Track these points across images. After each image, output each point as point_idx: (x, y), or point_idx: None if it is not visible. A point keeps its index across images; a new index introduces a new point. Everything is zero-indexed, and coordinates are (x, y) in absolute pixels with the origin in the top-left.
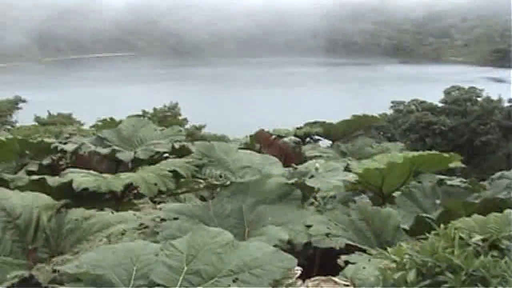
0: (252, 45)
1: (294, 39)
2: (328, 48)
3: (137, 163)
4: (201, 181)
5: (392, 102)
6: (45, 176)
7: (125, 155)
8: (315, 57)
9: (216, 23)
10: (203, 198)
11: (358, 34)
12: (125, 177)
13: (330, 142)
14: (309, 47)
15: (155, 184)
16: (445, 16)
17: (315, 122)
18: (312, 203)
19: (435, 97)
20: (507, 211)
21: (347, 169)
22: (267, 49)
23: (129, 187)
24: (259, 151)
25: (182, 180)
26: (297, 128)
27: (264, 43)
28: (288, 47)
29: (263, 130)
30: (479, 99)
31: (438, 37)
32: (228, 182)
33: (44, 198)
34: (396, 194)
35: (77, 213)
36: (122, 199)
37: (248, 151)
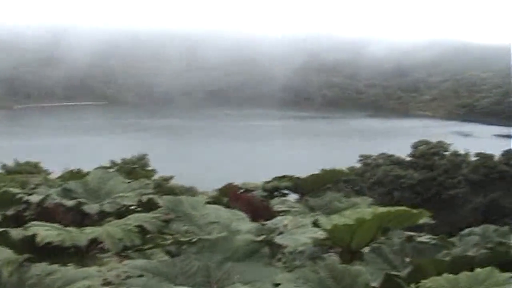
0: (222, 97)
1: (263, 91)
2: (297, 101)
3: (103, 216)
4: (168, 236)
5: (360, 156)
6: (8, 229)
7: (91, 208)
8: (284, 110)
9: (187, 74)
10: (170, 254)
11: (327, 87)
12: (90, 232)
13: (299, 196)
14: (278, 100)
15: (121, 239)
16: (412, 71)
17: (283, 176)
18: (279, 259)
19: (403, 151)
20: (478, 270)
21: (315, 224)
22: (237, 101)
23: (94, 241)
24: (227, 205)
25: (149, 235)
26: (266, 182)
27: (234, 95)
28: (257, 99)
29: (231, 183)
30: (446, 153)
31: (406, 91)
32: (195, 239)
33: (6, 252)
34: (364, 250)
35: (40, 268)
36: (87, 253)
37: (216, 206)
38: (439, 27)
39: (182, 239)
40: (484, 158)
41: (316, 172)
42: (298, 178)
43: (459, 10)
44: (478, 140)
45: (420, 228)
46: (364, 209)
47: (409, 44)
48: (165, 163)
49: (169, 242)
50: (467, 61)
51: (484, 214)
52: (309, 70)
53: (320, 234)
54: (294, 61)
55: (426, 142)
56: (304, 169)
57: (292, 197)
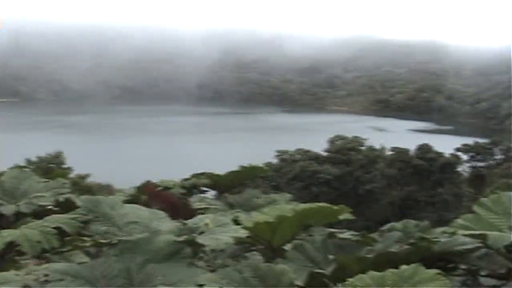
0: (137, 93)
1: (179, 88)
2: (214, 97)
3: (20, 217)
4: (88, 238)
5: (277, 151)
6: None
7: (7, 209)
8: (200, 107)
9: (101, 70)
10: (90, 256)
11: (243, 83)
12: (7, 235)
13: (217, 193)
14: (194, 96)
15: (39, 242)
16: (328, 67)
17: (202, 173)
18: (201, 257)
19: (319, 146)
20: (403, 267)
21: (235, 222)
22: (153, 97)
23: (11, 244)
24: (145, 203)
25: (68, 237)
26: (184, 180)
27: (150, 92)
28: (173, 96)
29: (149, 181)
30: (362, 148)
31: (322, 87)
32: (116, 240)
33: None
34: (286, 247)
35: None
36: (4, 257)
37: (135, 205)
38: (356, 24)
39: (102, 240)
40: (400, 152)
41: (234, 168)
42: (216, 175)
43: (376, 6)
44: (393, 135)
45: (338, 224)
46: (284, 205)
47: (325, 40)
48: (80, 160)
49: (88, 244)
50: (383, 57)
51: (400, 208)
52: (225, 66)
53: (242, 233)
54: (211, 57)
55: (342, 137)
56: (221, 166)
57: (211, 194)
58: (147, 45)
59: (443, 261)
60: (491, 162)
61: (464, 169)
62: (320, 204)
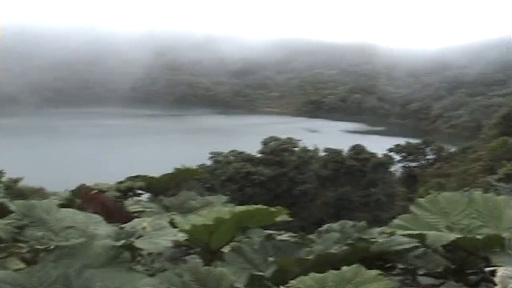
0: (70, 96)
1: (112, 90)
2: (146, 99)
3: None
4: (23, 244)
5: (211, 153)
6: None
7: None
8: (133, 109)
9: (32, 72)
10: (27, 263)
11: (176, 85)
12: None
13: (153, 196)
14: (127, 98)
15: None
16: (261, 69)
17: (137, 176)
18: (139, 262)
19: (253, 148)
20: (344, 268)
21: (172, 224)
22: (86, 100)
23: None
24: (80, 207)
25: (2, 244)
26: (119, 183)
27: (83, 94)
28: (106, 98)
29: (84, 184)
30: (296, 149)
31: (254, 88)
32: (53, 246)
33: None
34: (224, 250)
35: None
36: None
37: (71, 210)
38: (289, 26)
39: (38, 246)
40: (333, 153)
41: (169, 171)
42: (152, 177)
43: (308, 9)
44: (326, 136)
45: (273, 225)
46: (222, 208)
47: (258, 43)
48: (11, 164)
49: (24, 250)
50: (315, 59)
51: (334, 208)
52: (158, 68)
53: (181, 236)
54: (144, 59)
55: (275, 139)
56: (155, 168)
57: (147, 197)
58: (79, 47)
59: (381, 261)
60: (423, 162)
61: (396, 169)
62: (258, 206)
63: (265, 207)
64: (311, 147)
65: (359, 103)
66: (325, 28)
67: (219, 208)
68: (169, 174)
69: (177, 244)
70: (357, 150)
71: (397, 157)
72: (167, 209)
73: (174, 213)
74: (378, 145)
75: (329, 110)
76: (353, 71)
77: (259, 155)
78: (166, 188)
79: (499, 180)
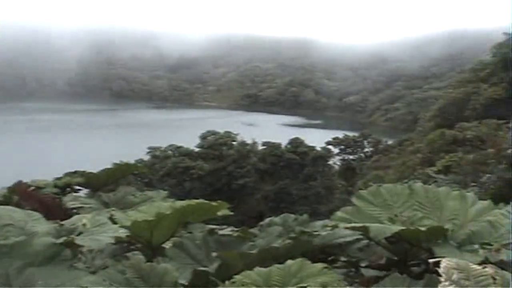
0: (5, 91)
1: (49, 85)
2: (83, 94)
3: None
4: None
5: (149, 148)
6: None
7: None
8: (70, 104)
9: None
10: None
11: (113, 80)
12: None
13: (92, 192)
14: (64, 94)
15: None
16: (199, 64)
17: (75, 172)
18: (79, 259)
19: (191, 142)
20: (289, 262)
21: (112, 220)
22: (22, 95)
23: None
24: (17, 204)
25: None
26: (57, 179)
27: (19, 89)
28: (43, 93)
29: (21, 181)
30: (234, 143)
31: (192, 83)
32: None
33: None
34: (166, 245)
35: None
36: None
37: (8, 207)
38: (227, 22)
39: None
40: (271, 147)
41: (107, 166)
42: (90, 173)
43: (247, 4)
44: (264, 130)
45: (212, 220)
46: (162, 203)
47: (196, 38)
48: None
49: None
50: (253, 53)
51: (274, 202)
52: (95, 64)
53: (122, 232)
54: (81, 55)
55: (213, 133)
56: (94, 164)
57: (85, 193)
58: (15, 42)
59: (324, 254)
60: (361, 154)
61: (335, 162)
62: (199, 200)
63: (206, 201)
64: (249, 141)
65: (296, 97)
66: (262, 23)
67: (160, 203)
68: (107, 169)
69: (118, 241)
70: (296, 143)
71: (335, 150)
72: (106, 205)
73: (113, 209)
74: (316, 138)
75: (267, 103)
76: (291, 65)
77: (197, 150)
78: (104, 184)
79: (438, 172)
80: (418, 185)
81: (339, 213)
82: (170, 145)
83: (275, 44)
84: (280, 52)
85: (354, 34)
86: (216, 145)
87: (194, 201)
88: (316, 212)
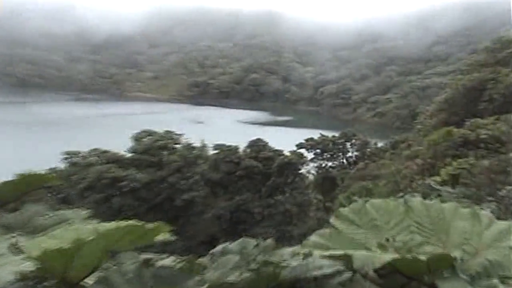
0: None
1: None
2: None
3: None
4: None
5: (65, 153)
6: None
7: None
8: None
9: None
10: None
11: (16, 63)
12: None
13: None
14: None
15: None
16: (130, 42)
17: None
18: None
19: (121, 146)
20: None
21: (16, 249)
22: None
23: None
24: None
25: None
26: None
27: None
28: None
29: None
30: (177, 146)
31: (122, 67)
32: None
33: None
34: (88, 281)
35: None
36: None
37: None
38: None
39: None
40: (226, 151)
41: (8, 178)
42: None
43: None
44: (216, 129)
45: (151, 247)
46: (82, 226)
47: (127, 9)
48: None
49: None
50: (203, 29)
51: (230, 222)
52: None
53: (28, 265)
54: None
55: (150, 133)
56: None
57: None
58: None
59: None
60: (342, 161)
61: (309, 170)
62: (131, 222)
63: (140, 223)
64: (197, 144)
65: (258, 86)
66: None
67: (79, 226)
68: (8, 182)
69: (23, 276)
70: (257, 146)
71: (309, 155)
72: (7, 229)
73: (17, 234)
74: (285, 139)
75: (220, 94)
76: (251, 44)
77: (129, 155)
78: (5, 201)
79: (443, 183)
80: (417, 200)
81: (313, 238)
82: (94, 150)
83: (231, 19)
84: (238, 28)
85: (335, 7)
86: (154, 149)
87: (124, 223)
88: (285, 235)
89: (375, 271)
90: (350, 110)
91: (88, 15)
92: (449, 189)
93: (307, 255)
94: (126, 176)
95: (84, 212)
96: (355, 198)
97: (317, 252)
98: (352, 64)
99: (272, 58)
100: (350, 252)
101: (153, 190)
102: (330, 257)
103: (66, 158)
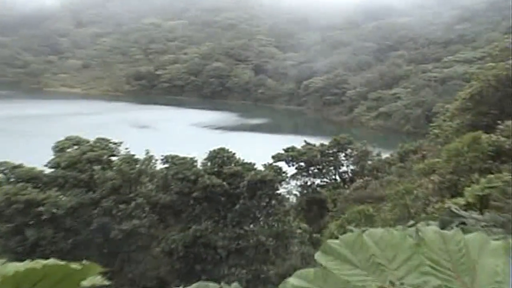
0: None
1: None
2: None
3: None
4: None
5: None
6: None
7: None
8: None
9: None
10: None
11: None
12: None
13: None
14: None
15: None
16: (51, 20)
17: None
18: None
19: (38, 159)
20: None
21: None
22: None
23: None
24: None
25: None
26: None
27: None
28: None
29: None
30: (114, 159)
31: (39, 52)
32: None
33: None
34: None
35: None
36: None
37: None
38: None
39: None
40: (180, 165)
41: None
42: None
43: None
44: (166, 135)
45: None
46: None
47: None
48: None
49: None
50: (147, 3)
51: (184, 261)
52: None
53: None
54: None
55: (78, 141)
56: None
57: None
58: None
59: None
60: (334, 177)
61: (290, 190)
62: (50, 261)
63: (62, 262)
64: (141, 155)
65: (222, 78)
66: None
67: None
68: None
69: None
70: (221, 158)
71: (290, 170)
72: None
73: None
74: (258, 149)
75: (171, 89)
76: (212, 22)
77: (49, 171)
78: None
79: (467, 206)
80: (432, 229)
81: (294, 280)
82: (1, 163)
83: None
84: (194, 0)
85: None
86: (83, 163)
87: (41, 263)
88: (258, 277)
89: None
90: (345, 110)
91: None
92: (475, 214)
93: None
94: (45, 199)
95: None
96: (351, 227)
97: None
98: (347, 48)
99: (241, 41)
100: None
101: (81, 217)
102: None
103: None
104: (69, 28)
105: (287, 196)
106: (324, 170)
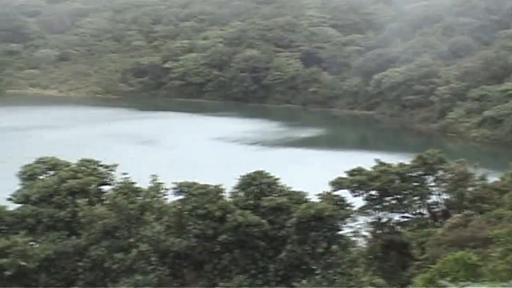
0: None
1: None
2: None
3: None
4: None
5: None
6: None
7: None
8: None
9: None
10: None
11: None
12: None
13: None
14: None
15: None
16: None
17: None
18: None
19: (1, 188)
20: None
21: None
22: None
23: None
24: None
25: None
26: None
27: None
28: None
29: None
30: (106, 188)
31: (2, 40)
32: None
33: None
34: None
35: None
36: None
37: None
38: None
39: None
40: (199, 196)
41: None
42: None
43: None
44: (180, 152)
45: None
46: None
47: None
48: None
49: None
50: None
51: None
52: None
53: None
54: None
55: (55, 165)
56: None
57: None
58: None
59: None
60: (420, 211)
61: (358, 229)
62: None
63: None
64: (144, 183)
65: (257, 71)
66: None
67: None
68: None
69: None
70: (258, 186)
71: (357, 201)
72: None
73: None
74: (310, 172)
75: (186, 89)
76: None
77: (15, 207)
78: None
79: None
80: None
81: None
82: None
83: None
84: None
85: None
86: (61, 196)
87: None
88: None
89: None
90: (434, 115)
91: None
92: None
93: None
94: (9, 247)
95: None
96: (445, 281)
97: None
98: (436, 27)
99: (284, 19)
100: None
101: (61, 273)
102: None
103: None
104: (39, 4)
105: (354, 238)
106: (405, 201)
